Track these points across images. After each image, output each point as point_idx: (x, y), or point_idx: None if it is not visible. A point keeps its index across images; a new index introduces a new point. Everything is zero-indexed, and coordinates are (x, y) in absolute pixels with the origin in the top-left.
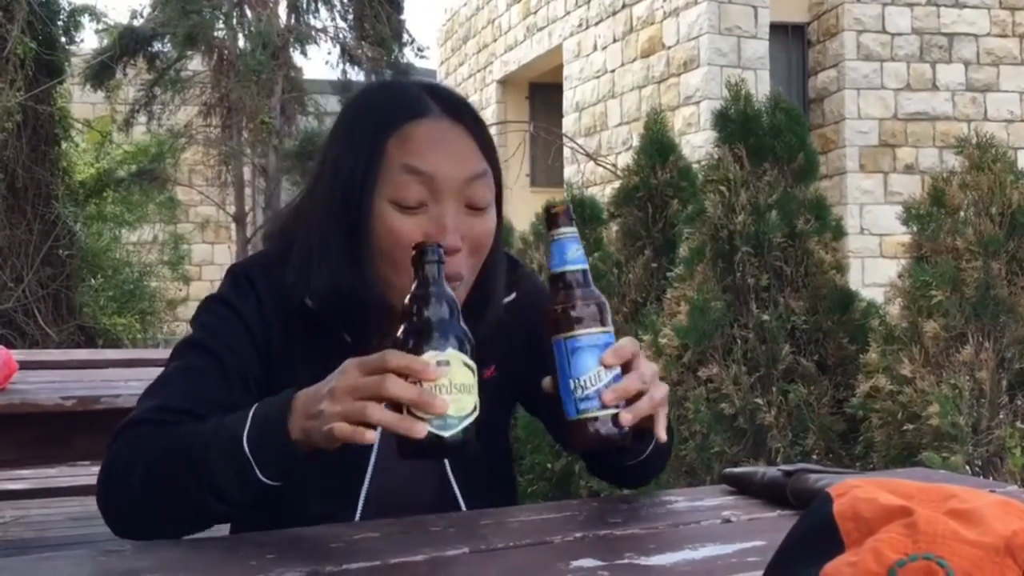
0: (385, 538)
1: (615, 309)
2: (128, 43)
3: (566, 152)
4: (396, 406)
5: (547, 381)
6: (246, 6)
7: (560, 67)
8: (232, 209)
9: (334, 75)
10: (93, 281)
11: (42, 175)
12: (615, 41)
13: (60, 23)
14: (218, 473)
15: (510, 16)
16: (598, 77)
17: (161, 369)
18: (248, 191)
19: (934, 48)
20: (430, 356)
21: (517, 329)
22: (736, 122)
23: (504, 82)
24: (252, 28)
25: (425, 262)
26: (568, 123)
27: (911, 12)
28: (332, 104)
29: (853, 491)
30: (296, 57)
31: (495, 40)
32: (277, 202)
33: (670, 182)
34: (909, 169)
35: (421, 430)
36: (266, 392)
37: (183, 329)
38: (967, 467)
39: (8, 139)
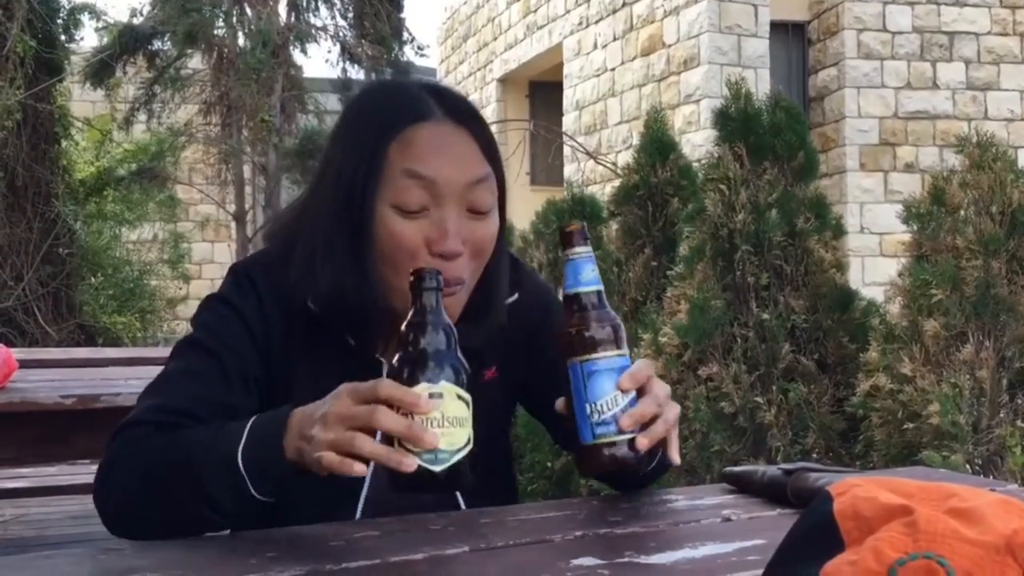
0: (385, 536)
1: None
2: (128, 41)
3: (566, 150)
4: (388, 436)
5: (560, 403)
6: (246, 4)
7: (560, 65)
8: (232, 207)
9: (334, 73)
10: (93, 279)
11: (42, 173)
12: (615, 39)
13: (60, 21)
14: (213, 486)
15: (510, 14)
16: (598, 75)
17: (161, 368)
18: (248, 189)
19: (934, 47)
20: (423, 388)
21: (518, 329)
22: (736, 121)
23: (504, 80)
24: (252, 26)
25: (423, 289)
26: (568, 121)
27: (912, 10)
28: (332, 102)
29: (853, 490)
30: (296, 55)
31: (495, 38)
32: (277, 200)
33: (670, 181)
34: (909, 168)
35: (411, 464)
36: (266, 392)
37: (183, 328)
38: (967, 466)
39: (8, 137)
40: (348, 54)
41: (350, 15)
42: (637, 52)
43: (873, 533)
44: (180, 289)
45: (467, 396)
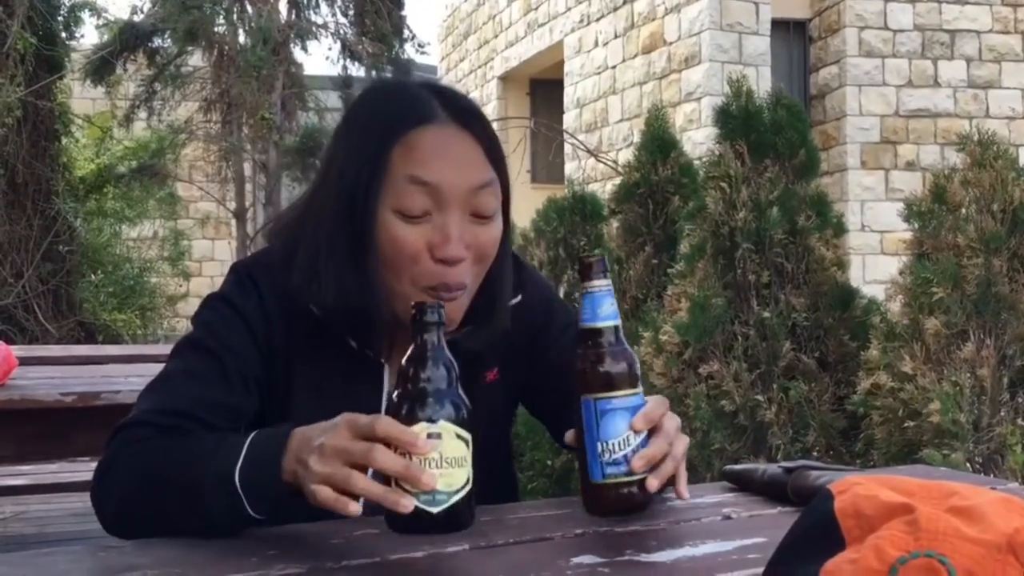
0: (385, 534)
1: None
2: (128, 38)
3: (567, 148)
4: (385, 475)
5: (570, 435)
6: (246, 2)
7: (561, 63)
8: (232, 205)
9: (335, 71)
10: (93, 277)
11: (42, 171)
12: (616, 37)
13: (60, 18)
14: (209, 501)
15: (511, 12)
16: (599, 73)
17: (162, 366)
18: (248, 187)
19: (936, 44)
20: (422, 428)
21: (521, 331)
22: (737, 118)
23: (505, 78)
24: (252, 24)
25: (425, 323)
26: (569, 119)
27: (913, 8)
28: (333, 100)
29: (854, 488)
30: (297, 53)
31: (496, 36)
32: (277, 198)
33: (671, 178)
34: (910, 166)
35: (408, 504)
36: (267, 392)
37: (183, 325)
38: (968, 464)
39: (8, 135)
40: (349, 51)
41: (351, 12)
42: (638, 50)
43: (874, 531)
44: (180, 286)
45: (467, 435)
